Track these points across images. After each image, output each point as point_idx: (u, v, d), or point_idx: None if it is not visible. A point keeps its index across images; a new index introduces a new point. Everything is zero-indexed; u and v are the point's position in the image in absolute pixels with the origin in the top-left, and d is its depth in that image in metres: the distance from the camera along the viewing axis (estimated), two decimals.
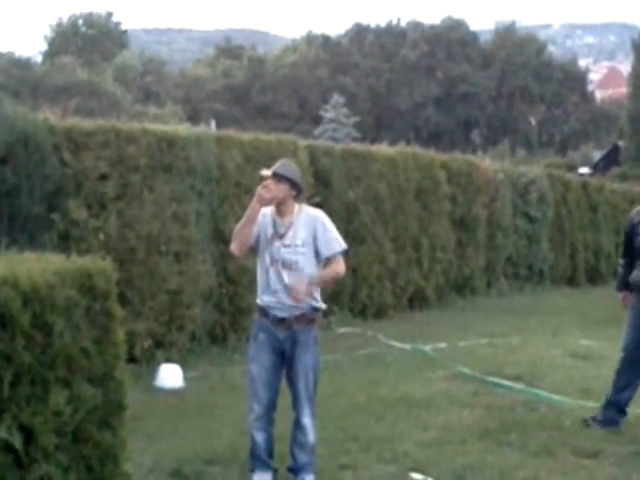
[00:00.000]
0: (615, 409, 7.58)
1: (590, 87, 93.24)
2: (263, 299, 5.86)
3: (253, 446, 5.89)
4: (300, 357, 5.79)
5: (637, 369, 7.56)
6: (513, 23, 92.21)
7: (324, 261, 5.85)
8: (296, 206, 5.89)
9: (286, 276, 5.74)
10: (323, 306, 5.93)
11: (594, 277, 22.56)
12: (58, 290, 4.40)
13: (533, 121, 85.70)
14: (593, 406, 7.92)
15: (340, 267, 5.88)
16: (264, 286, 5.86)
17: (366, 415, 7.87)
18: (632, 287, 7.59)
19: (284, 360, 5.85)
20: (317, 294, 5.86)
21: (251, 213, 5.76)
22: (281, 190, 5.75)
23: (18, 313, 4.12)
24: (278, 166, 5.85)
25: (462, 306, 16.35)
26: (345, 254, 5.98)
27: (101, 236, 9.38)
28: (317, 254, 5.82)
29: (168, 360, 9.70)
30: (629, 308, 7.68)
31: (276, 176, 5.74)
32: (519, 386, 9.03)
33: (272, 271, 5.78)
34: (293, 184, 5.80)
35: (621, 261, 8.05)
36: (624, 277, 7.76)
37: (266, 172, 5.74)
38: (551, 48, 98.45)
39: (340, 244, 5.89)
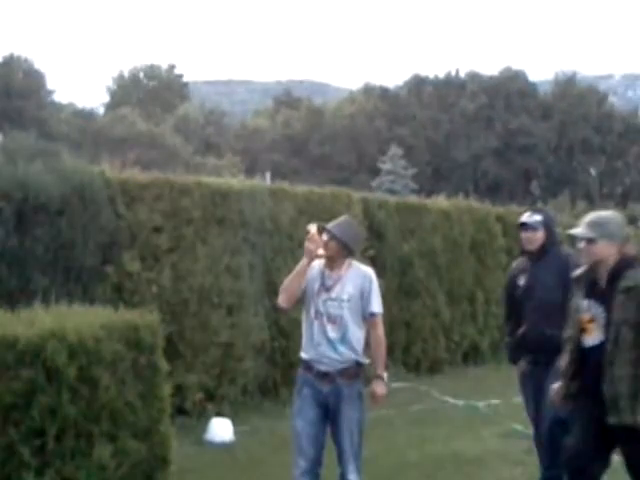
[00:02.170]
0: None
1: None
2: (307, 353, 5.86)
3: None
4: (344, 412, 5.74)
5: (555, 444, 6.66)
6: (573, 74, 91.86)
7: (368, 317, 5.83)
8: (346, 261, 5.86)
9: (330, 330, 5.73)
10: (367, 361, 5.89)
11: None
12: (105, 344, 4.44)
13: (594, 173, 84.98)
14: None
15: (381, 331, 5.89)
16: (308, 339, 5.86)
17: (416, 473, 7.77)
18: (523, 348, 6.78)
19: (328, 414, 5.80)
20: (360, 349, 5.82)
21: (300, 268, 5.78)
22: (331, 247, 5.76)
23: (64, 366, 4.16)
24: (334, 224, 5.83)
25: None
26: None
27: (154, 288, 9.44)
28: (363, 311, 5.80)
29: (219, 413, 9.68)
30: (520, 377, 6.94)
31: (328, 233, 5.74)
32: None
33: (316, 324, 5.78)
34: (344, 245, 5.78)
35: (506, 328, 7.13)
36: (514, 344, 6.92)
37: (311, 226, 5.74)
38: (612, 99, 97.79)
39: (381, 306, 5.89)
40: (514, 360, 7.00)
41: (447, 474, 7.69)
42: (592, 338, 5.43)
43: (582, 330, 5.49)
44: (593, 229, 5.47)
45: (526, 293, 6.78)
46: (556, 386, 5.74)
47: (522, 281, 6.84)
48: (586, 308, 5.48)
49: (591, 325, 5.44)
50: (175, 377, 8.57)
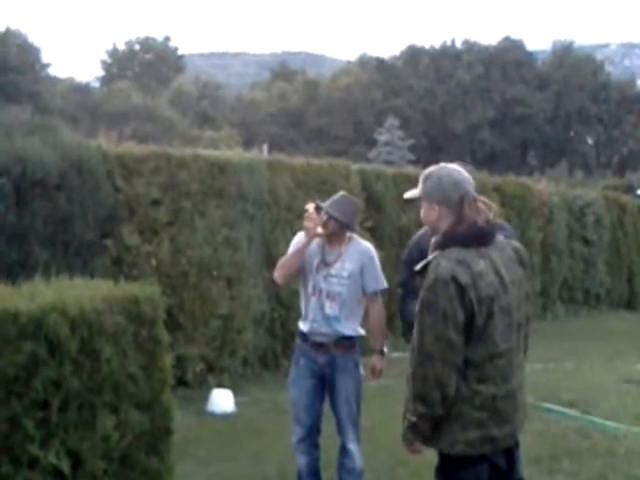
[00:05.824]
0: None
1: None
2: (304, 325, 5.85)
3: (298, 469, 5.88)
4: (341, 383, 5.74)
5: None
6: (570, 43, 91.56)
7: (369, 293, 5.81)
8: (347, 236, 5.80)
9: (328, 307, 5.70)
10: (362, 332, 5.89)
11: None
12: (106, 316, 4.44)
13: (591, 142, 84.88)
14: None
15: (380, 307, 5.88)
16: (305, 314, 5.84)
17: None
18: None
19: (325, 384, 5.81)
20: (357, 326, 5.82)
21: (300, 246, 5.73)
22: (330, 226, 5.68)
23: (66, 339, 4.17)
24: (332, 202, 5.74)
25: None
26: (385, 293, 5.95)
27: (153, 261, 9.46)
28: (363, 287, 5.78)
29: (220, 385, 9.73)
30: None
31: (326, 214, 5.66)
32: (572, 412, 8.88)
33: (313, 300, 5.75)
34: (342, 224, 5.70)
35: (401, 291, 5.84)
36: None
37: (309, 205, 5.70)
38: (609, 68, 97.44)
39: (383, 282, 5.86)
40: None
41: None
42: None
43: None
44: (419, 186, 4.15)
45: None
46: None
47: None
48: None
49: None
50: (176, 349, 8.62)
